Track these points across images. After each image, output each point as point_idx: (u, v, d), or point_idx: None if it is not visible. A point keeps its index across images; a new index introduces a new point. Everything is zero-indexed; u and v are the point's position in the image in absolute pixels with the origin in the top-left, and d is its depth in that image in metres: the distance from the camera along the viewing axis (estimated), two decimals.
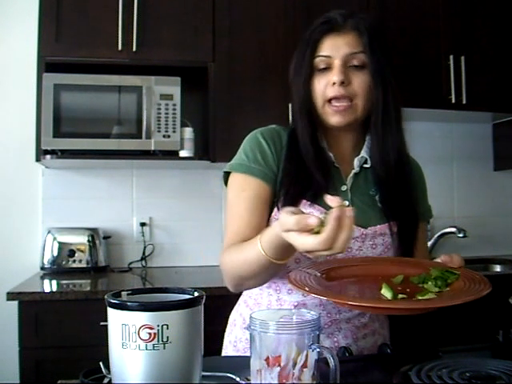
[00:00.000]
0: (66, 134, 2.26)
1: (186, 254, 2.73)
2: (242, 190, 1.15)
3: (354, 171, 1.19)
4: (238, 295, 1.32)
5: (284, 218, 0.82)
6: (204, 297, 0.77)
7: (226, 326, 1.33)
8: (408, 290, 0.93)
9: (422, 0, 2.61)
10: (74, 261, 2.46)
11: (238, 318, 1.28)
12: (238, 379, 0.85)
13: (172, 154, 2.37)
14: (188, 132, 2.42)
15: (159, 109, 2.33)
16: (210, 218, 2.75)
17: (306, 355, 0.73)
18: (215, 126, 2.43)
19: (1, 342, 2.35)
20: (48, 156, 2.26)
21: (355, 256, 1.13)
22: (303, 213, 0.83)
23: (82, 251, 2.47)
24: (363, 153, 1.19)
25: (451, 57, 2.58)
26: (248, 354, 0.78)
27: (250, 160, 1.16)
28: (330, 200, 0.81)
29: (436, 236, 2.79)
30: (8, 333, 2.11)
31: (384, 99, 1.14)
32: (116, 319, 0.72)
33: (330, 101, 1.13)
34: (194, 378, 0.75)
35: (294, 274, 0.94)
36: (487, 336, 2.13)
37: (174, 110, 2.34)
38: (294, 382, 0.72)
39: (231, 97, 2.43)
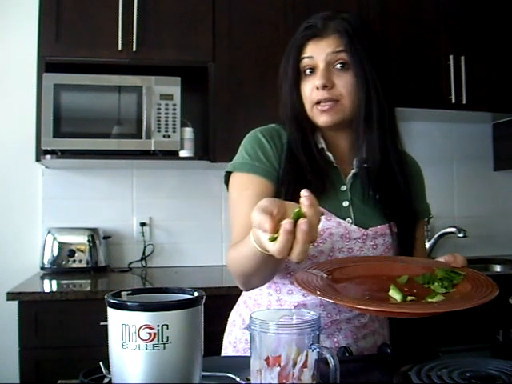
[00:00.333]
0: (66, 134, 2.26)
1: (185, 254, 2.73)
2: (245, 189, 1.15)
3: (353, 171, 1.19)
4: (238, 295, 1.32)
5: (252, 215, 0.79)
6: (204, 297, 0.77)
7: (225, 326, 1.33)
8: (415, 290, 0.92)
9: (421, 0, 2.61)
10: (74, 261, 2.46)
11: (237, 319, 1.28)
12: (237, 379, 0.85)
13: (172, 154, 2.37)
14: (188, 132, 2.42)
15: (159, 109, 2.33)
16: (210, 217, 2.75)
17: (306, 355, 0.73)
18: (215, 126, 2.43)
19: (1, 341, 2.35)
20: (48, 156, 2.26)
21: (356, 256, 1.13)
22: (281, 205, 0.80)
23: (82, 251, 2.47)
24: (361, 152, 1.19)
25: (451, 57, 2.58)
26: (248, 355, 0.78)
27: (252, 158, 1.16)
28: (303, 199, 0.78)
29: (436, 236, 2.79)
30: (8, 333, 2.11)
31: (366, 100, 1.13)
32: (116, 319, 0.72)
33: (317, 103, 1.14)
34: (194, 378, 0.75)
35: (301, 275, 0.94)
36: (487, 336, 2.13)
37: (174, 110, 2.34)
38: (294, 382, 0.72)
39: (231, 97, 2.43)
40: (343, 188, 1.18)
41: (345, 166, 1.20)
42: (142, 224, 2.68)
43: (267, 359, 0.73)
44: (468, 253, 2.69)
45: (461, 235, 2.69)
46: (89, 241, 2.49)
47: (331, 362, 0.73)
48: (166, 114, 2.33)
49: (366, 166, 1.18)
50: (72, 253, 2.45)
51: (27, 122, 2.44)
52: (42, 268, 2.45)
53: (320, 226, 1.11)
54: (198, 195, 2.75)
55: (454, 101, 2.58)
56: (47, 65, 2.29)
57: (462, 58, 2.59)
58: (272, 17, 2.47)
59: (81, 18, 2.34)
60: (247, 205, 1.13)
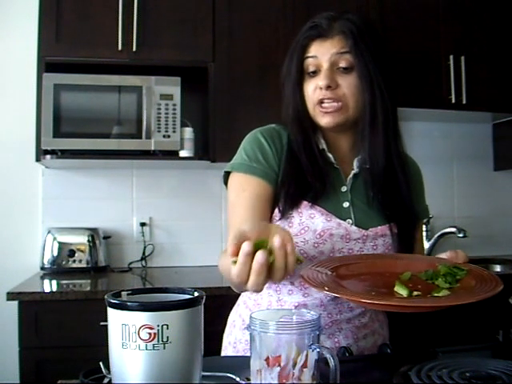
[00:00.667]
0: (66, 134, 2.26)
1: (185, 254, 2.73)
2: (243, 190, 1.15)
3: (353, 172, 1.19)
4: (238, 295, 1.32)
5: (229, 237, 0.82)
6: (204, 297, 0.77)
7: (225, 327, 1.33)
8: (419, 286, 0.93)
9: (421, 0, 2.61)
10: (74, 261, 2.46)
11: (237, 319, 1.28)
12: (237, 379, 0.85)
13: (172, 154, 2.37)
14: (188, 132, 2.42)
15: (159, 109, 2.33)
16: (209, 217, 2.75)
17: (306, 355, 0.73)
18: (215, 126, 2.43)
19: (1, 341, 2.35)
20: (48, 156, 2.26)
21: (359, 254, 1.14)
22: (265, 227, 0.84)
23: (82, 251, 2.47)
24: (362, 153, 1.19)
25: (451, 57, 2.58)
26: (248, 355, 0.78)
27: (251, 159, 1.16)
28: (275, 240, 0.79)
29: (436, 236, 2.79)
30: (8, 333, 2.11)
31: (371, 102, 1.13)
32: (116, 319, 0.72)
33: (320, 103, 1.14)
34: (194, 378, 0.75)
35: (306, 273, 0.94)
36: (487, 336, 2.13)
37: (174, 110, 2.34)
38: (294, 382, 0.72)
39: (231, 97, 2.43)
40: (344, 189, 1.18)
41: (345, 167, 1.20)
42: (142, 224, 2.68)
43: (267, 359, 0.73)
44: (468, 253, 2.66)
45: (461, 235, 2.69)
46: (89, 241, 2.49)
47: (331, 362, 0.73)
48: (166, 114, 2.33)
49: (367, 166, 1.18)
50: (72, 253, 2.45)
51: (27, 122, 2.44)
52: (42, 268, 2.45)
53: (320, 227, 1.12)
54: (198, 195, 2.75)
55: (454, 101, 2.58)
56: (47, 65, 2.29)
57: (462, 58, 2.59)
58: (272, 17, 2.47)
59: (81, 18, 2.34)
60: (244, 206, 1.13)
